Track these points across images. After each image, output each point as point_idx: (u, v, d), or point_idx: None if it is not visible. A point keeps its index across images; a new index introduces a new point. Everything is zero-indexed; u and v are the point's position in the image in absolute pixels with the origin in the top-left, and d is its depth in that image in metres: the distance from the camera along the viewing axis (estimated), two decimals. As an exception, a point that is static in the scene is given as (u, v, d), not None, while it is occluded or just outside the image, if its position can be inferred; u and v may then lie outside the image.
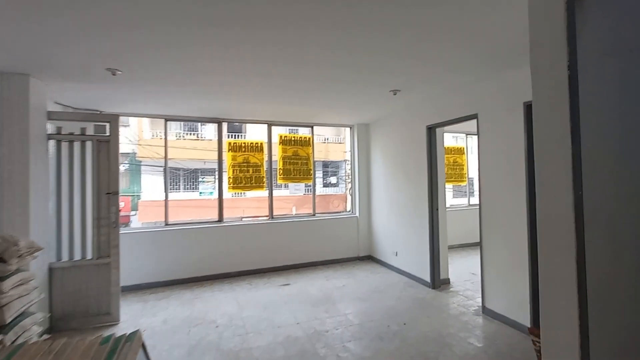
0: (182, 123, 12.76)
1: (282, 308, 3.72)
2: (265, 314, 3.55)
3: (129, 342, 1.97)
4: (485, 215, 3.50)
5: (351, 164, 6.11)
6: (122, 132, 11.10)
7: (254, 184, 5.21)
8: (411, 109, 4.63)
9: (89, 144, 3.47)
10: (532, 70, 1.10)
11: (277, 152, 5.45)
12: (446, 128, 4.62)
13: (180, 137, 12.83)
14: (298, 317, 3.46)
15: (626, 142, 1.04)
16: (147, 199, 11.35)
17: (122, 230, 4.48)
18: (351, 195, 6.10)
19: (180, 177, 12.84)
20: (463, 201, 7.66)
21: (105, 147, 3.46)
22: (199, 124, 12.55)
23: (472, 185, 7.59)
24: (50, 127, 3.33)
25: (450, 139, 7.92)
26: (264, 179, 5.27)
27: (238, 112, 4.72)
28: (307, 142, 5.63)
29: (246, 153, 5.21)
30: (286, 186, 12.80)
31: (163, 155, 4.91)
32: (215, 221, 5.05)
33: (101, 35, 2.22)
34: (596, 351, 0.94)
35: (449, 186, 6.87)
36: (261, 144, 5.30)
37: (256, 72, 3.01)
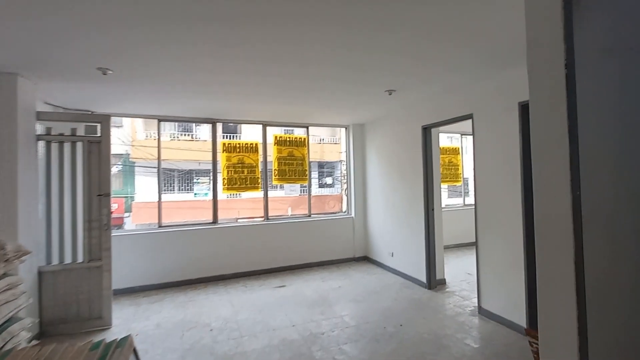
0: (176, 124, 12.65)
1: (277, 310, 3.68)
2: (260, 317, 3.51)
3: (119, 348, 1.93)
4: (480, 215, 3.50)
5: (347, 164, 6.10)
6: (115, 133, 11.02)
7: (248, 185, 5.17)
8: (406, 109, 4.62)
9: (79, 145, 3.40)
10: (529, 68, 1.08)
11: (272, 152, 5.41)
12: (441, 128, 4.62)
13: (174, 137, 12.72)
14: (293, 320, 3.42)
15: (625, 142, 1.02)
16: (141, 201, 11.23)
17: (115, 233, 4.41)
18: (347, 195, 6.08)
19: (175, 178, 12.73)
20: (458, 201, 7.68)
21: (97, 148, 3.40)
22: (194, 124, 12.45)
23: (467, 186, 7.62)
24: (39, 128, 3.26)
25: (445, 139, 7.94)
26: (259, 180, 5.23)
27: (232, 112, 4.68)
28: (302, 143, 5.60)
29: (241, 154, 5.16)
30: (281, 187, 12.75)
31: (157, 156, 4.84)
32: (210, 222, 4.99)
33: (92, 34, 2.17)
34: (595, 352, 0.93)
35: (444, 186, 6.88)
36: (256, 144, 5.26)
37: (252, 71, 2.97)
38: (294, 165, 5.54)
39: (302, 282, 4.67)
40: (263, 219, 5.33)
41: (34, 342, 2.74)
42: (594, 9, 0.95)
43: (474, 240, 3.61)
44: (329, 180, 14.14)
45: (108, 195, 3.38)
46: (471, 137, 3.65)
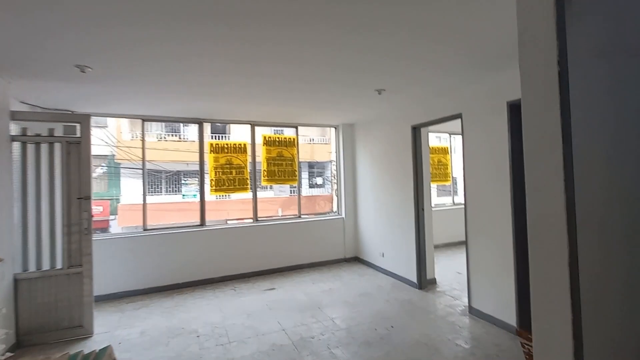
0: (163, 124, 12.40)
1: (267, 314, 3.60)
2: (249, 322, 3.43)
3: (98, 359, 1.83)
4: (470, 214, 3.50)
5: (337, 164, 6.05)
6: (100, 133, 10.74)
7: (237, 186, 5.07)
8: (396, 108, 4.60)
9: (57, 146, 3.25)
10: (521, 66, 1.05)
11: (261, 153, 5.32)
12: (430, 128, 4.62)
13: (161, 138, 12.47)
14: (283, 324, 3.35)
15: (619, 141, 1.00)
16: (127, 203, 10.96)
17: (98, 237, 4.26)
18: (337, 196, 6.03)
19: (162, 179, 12.48)
20: (447, 200, 7.73)
21: (76, 150, 3.26)
22: (181, 124, 12.23)
23: (456, 185, 7.67)
24: (14, 128, 3.11)
25: (434, 139, 7.99)
26: (248, 181, 5.13)
27: (220, 112, 4.58)
28: (291, 143, 5.53)
29: (229, 154, 5.06)
30: (271, 188, 12.64)
31: (142, 157, 4.70)
32: (197, 225, 4.88)
33: (69, 32, 2.06)
34: (590, 355, 0.90)
35: (433, 185, 6.91)
36: (244, 145, 5.17)
37: (239, 71, 2.90)
38: (283, 165, 5.47)
39: (292, 284, 4.60)
40: (252, 220, 5.24)
41: (8, 354, 2.60)
42: (585, 5, 0.93)
43: (464, 240, 3.61)
44: (319, 180, 14.09)
45: (89, 198, 3.25)
46: (460, 136, 3.65)
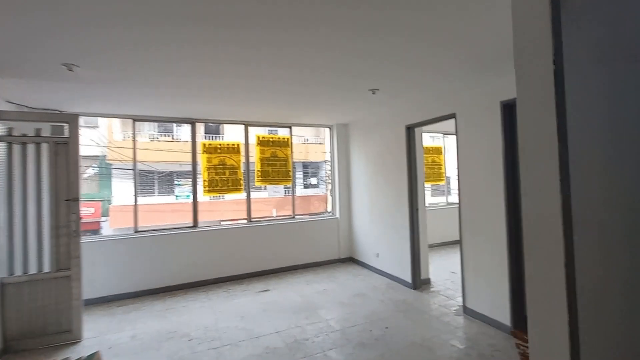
0: (156, 124, 12.27)
1: (260, 316, 3.56)
2: (242, 324, 3.38)
3: (85, 367, 1.78)
4: (464, 214, 3.50)
5: (331, 164, 6.03)
6: (91, 134, 10.57)
7: (230, 187, 5.01)
8: (390, 108, 4.59)
9: (45, 147, 3.17)
10: (517, 65, 1.04)
11: (254, 153, 5.27)
12: (424, 128, 4.62)
13: (154, 138, 12.33)
14: (277, 326, 3.32)
15: (615, 140, 0.99)
16: (119, 204, 10.81)
17: (88, 239, 4.18)
18: (332, 196, 6.01)
19: (155, 180, 12.33)
20: (441, 200, 7.75)
21: (64, 150, 3.18)
22: (174, 124, 12.11)
23: (450, 184, 7.70)
24: (0, 128, 3.03)
25: (427, 139, 8.01)
26: (242, 182, 5.08)
27: (213, 112, 4.52)
28: (285, 143, 5.49)
29: (222, 155, 5.00)
30: (265, 188, 12.58)
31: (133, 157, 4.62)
32: (190, 226, 4.81)
33: (56, 30, 2.00)
34: (587, 358, 0.89)
35: (427, 185, 6.93)
36: (238, 145, 5.11)
37: (232, 73, 2.87)
38: (277, 166, 5.43)
39: (286, 285, 4.57)
40: (246, 221, 5.19)
41: (-7, 361, 2.53)
42: (582, 7, 0.91)
43: (458, 239, 3.61)
44: (313, 180, 14.06)
45: (77, 199, 3.17)
46: (453, 136, 3.65)
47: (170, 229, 4.71)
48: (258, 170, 5.29)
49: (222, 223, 5.67)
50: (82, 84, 3.06)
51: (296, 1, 1.76)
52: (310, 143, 13.44)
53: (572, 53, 0.91)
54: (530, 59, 0.97)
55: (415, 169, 4.34)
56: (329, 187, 6.13)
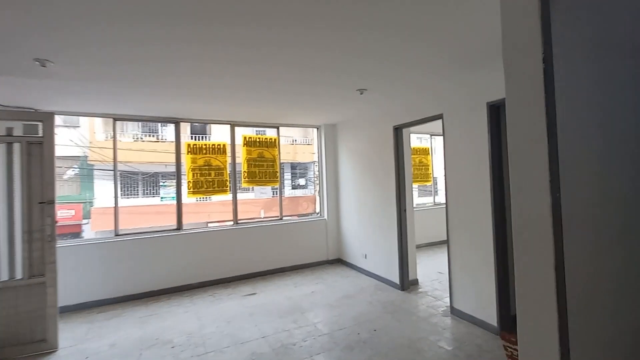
0: (140, 124, 11.96)
1: (247, 321, 3.48)
2: (228, 329, 3.29)
3: (57, 380, 1.67)
4: (451, 214, 3.50)
5: (319, 165, 5.98)
6: (71, 134, 10.20)
7: (216, 188, 4.90)
8: (378, 109, 4.58)
9: (17, 147, 3.02)
10: (506, 63, 1.01)
11: (241, 154, 5.18)
12: (412, 129, 4.63)
13: (138, 139, 12.01)
14: (264, 330, 3.24)
15: (605, 139, 0.98)
16: (101, 206, 10.48)
17: (65, 243, 4.00)
18: (320, 197, 5.96)
19: (139, 181, 12.02)
20: (428, 200, 7.81)
21: (38, 150, 3.03)
22: (159, 124, 11.84)
23: (437, 185, 7.77)
24: (-33, 127, 2.86)
25: (415, 139, 8.07)
26: (228, 183, 4.98)
27: (198, 112, 4.41)
28: (272, 144, 5.42)
29: (207, 155, 4.89)
30: (252, 189, 12.43)
31: (115, 158, 4.47)
32: (174, 229, 4.68)
33: (30, 22, 1.89)
34: (577, 357, 0.87)
35: (414, 186, 6.97)
36: (224, 145, 5.01)
37: (223, 73, 2.81)
38: (264, 167, 5.35)
39: (274, 288, 4.49)
40: (232, 223, 5.09)
41: (-42, 375, 2.38)
42: (571, 4, 0.90)
43: (445, 239, 3.61)
44: (302, 181, 13.99)
45: (52, 202, 3.03)
46: (440, 137, 3.65)
47: (153, 232, 4.56)
48: (245, 171, 5.20)
49: (209, 225, 5.53)
50: (58, 81, 2.92)
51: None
52: (298, 144, 13.36)
53: (561, 51, 0.89)
54: (520, 57, 0.95)
55: (403, 169, 4.34)
56: (317, 188, 6.08)
